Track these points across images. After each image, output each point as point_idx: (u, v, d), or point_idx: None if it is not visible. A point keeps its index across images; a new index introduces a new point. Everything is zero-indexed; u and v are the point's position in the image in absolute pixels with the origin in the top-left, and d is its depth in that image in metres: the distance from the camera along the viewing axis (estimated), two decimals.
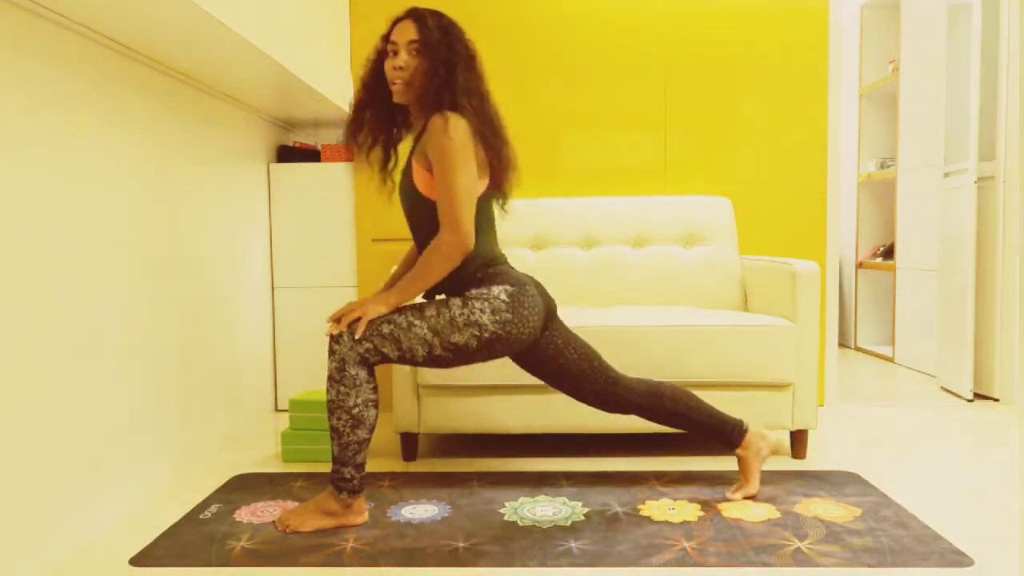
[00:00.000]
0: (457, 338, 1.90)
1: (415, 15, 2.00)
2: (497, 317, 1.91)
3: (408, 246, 3.20)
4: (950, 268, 3.51)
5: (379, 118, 2.09)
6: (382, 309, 1.90)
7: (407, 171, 2.01)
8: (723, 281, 2.91)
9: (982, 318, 3.41)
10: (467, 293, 1.94)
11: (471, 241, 1.90)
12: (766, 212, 3.19)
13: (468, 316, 1.90)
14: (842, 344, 5.00)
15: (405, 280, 1.92)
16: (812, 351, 2.46)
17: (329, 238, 3.24)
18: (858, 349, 4.78)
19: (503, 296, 1.93)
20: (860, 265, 4.78)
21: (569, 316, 2.51)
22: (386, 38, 2.04)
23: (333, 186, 3.23)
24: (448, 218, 1.89)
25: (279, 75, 2.48)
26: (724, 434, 2.13)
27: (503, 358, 2.22)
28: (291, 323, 3.25)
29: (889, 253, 4.62)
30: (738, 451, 2.14)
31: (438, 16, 2.01)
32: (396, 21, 2.03)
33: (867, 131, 4.77)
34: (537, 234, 3.01)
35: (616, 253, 2.98)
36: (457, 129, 1.88)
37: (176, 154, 2.36)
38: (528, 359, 2.09)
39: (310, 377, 3.25)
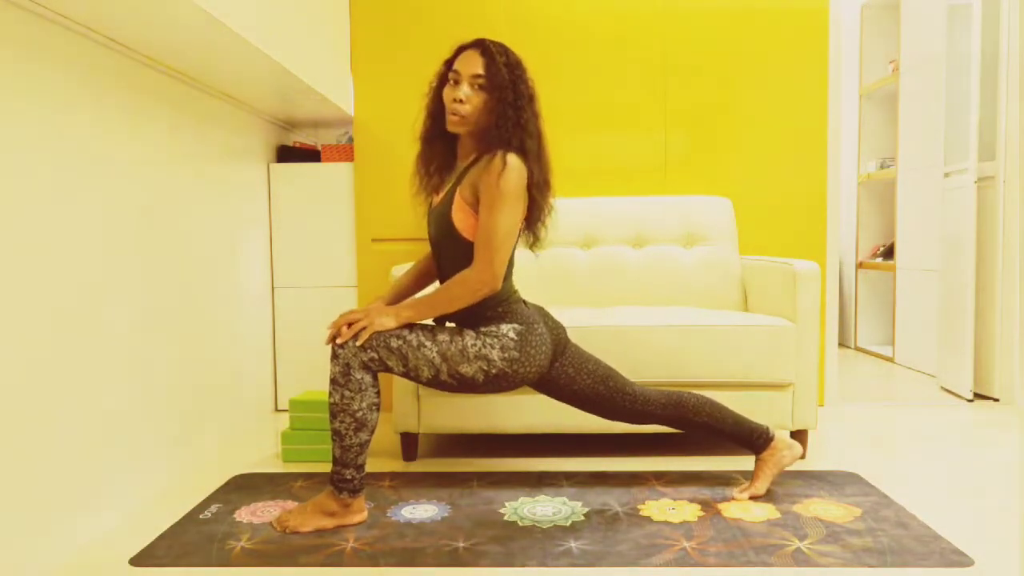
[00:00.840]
0: (465, 369, 1.90)
1: (483, 48, 1.96)
2: (505, 355, 1.92)
3: (408, 248, 3.20)
4: (950, 268, 3.50)
5: (444, 147, 2.06)
6: (390, 323, 1.89)
7: (447, 201, 1.98)
8: (723, 281, 2.91)
9: (982, 318, 3.41)
10: (480, 328, 1.94)
11: (499, 283, 1.91)
12: (766, 212, 3.19)
13: (479, 349, 1.91)
14: (842, 344, 5.00)
15: (422, 301, 1.92)
16: (812, 351, 2.46)
17: (329, 238, 3.24)
18: (858, 349, 4.78)
19: (512, 335, 1.94)
20: (860, 265, 4.78)
21: (569, 316, 2.50)
22: (448, 63, 2.00)
23: (333, 186, 3.23)
24: (484, 258, 1.89)
25: (279, 75, 2.48)
26: (750, 441, 2.14)
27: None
28: (291, 323, 3.25)
29: (889, 253, 4.62)
30: (762, 455, 2.15)
31: (506, 52, 1.97)
32: (461, 49, 2.00)
33: (867, 131, 4.77)
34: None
35: (616, 253, 2.98)
36: (514, 174, 1.88)
37: (176, 154, 2.36)
38: (543, 388, 2.12)
39: (310, 377, 3.25)
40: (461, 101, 1.93)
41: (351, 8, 3.20)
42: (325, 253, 3.24)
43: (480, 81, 1.94)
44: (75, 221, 1.84)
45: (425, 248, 3.21)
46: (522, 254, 2.99)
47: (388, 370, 1.90)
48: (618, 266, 2.95)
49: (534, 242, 2.07)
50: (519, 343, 1.93)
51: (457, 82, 1.96)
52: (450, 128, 1.97)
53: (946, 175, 3.58)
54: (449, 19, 3.18)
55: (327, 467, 2.44)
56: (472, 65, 1.95)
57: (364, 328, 1.87)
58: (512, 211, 1.90)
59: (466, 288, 1.89)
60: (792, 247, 3.19)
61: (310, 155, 3.31)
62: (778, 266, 2.60)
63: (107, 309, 1.97)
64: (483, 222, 1.90)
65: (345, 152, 3.28)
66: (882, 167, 4.63)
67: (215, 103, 2.67)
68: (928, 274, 4.03)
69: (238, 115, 2.88)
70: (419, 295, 2.00)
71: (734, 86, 3.19)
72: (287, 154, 3.29)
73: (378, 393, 1.91)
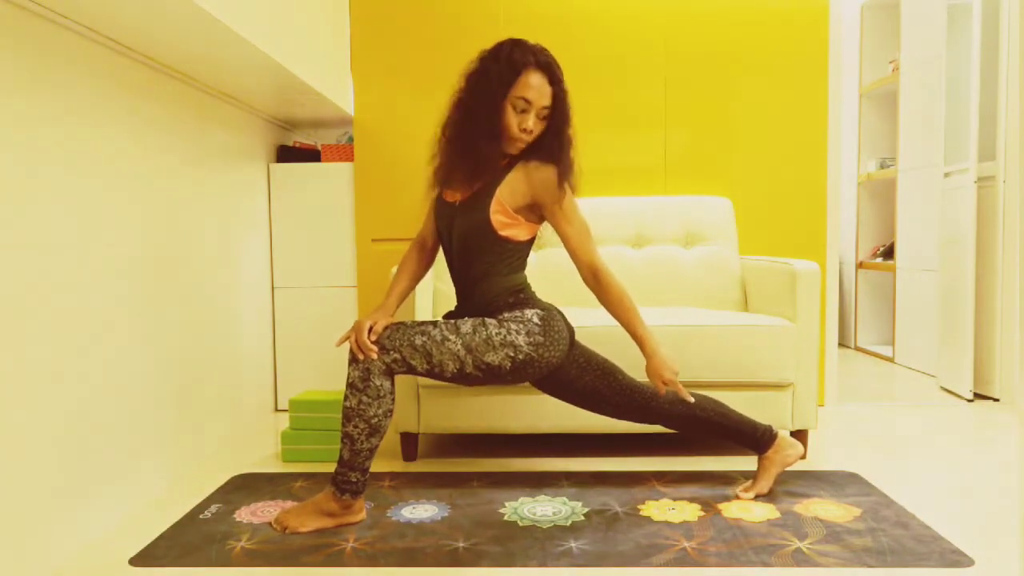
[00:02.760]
0: (492, 358, 1.91)
1: (551, 75, 1.93)
2: (531, 339, 1.93)
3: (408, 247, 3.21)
4: (950, 268, 3.50)
5: (478, 153, 1.97)
6: (672, 356, 2.00)
7: (482, 201, 1.97)
8: (723, 281, 2.91)
9: (982, 318, 3.41)
10: (501, 316, 1.96)
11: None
12: (766, 212, 3.19)
13: (504, 336, 1.92)
14: (842, 344, 5.00)
15: (640, 320, 1.99)
16: (812, 351, 2.46)
17: (329, 238, 3.24)
18: (858, 349, 4.78)
19: (535, 319, 1.96)
20: (860, 265, 4.78)
21: (570, 316, 2.50)
22: (509, 82, 1.90)
23: (333, 186, 3.23)
24: (602, 263, 1.99)
25: (279, 75, 2.48)
26: (754, 440, 2.13)
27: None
28: (291, 323, 3.25)
29: (889, 253, 4.62)
30: (766, 454, 2.15)
31: (560, 69, 1.97)
32: (526, 66, 1.91)
33: (867, 131, 4.77)
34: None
35: (616, 253, 2.98)
36: (566, 185, 1.98)
37: (176, 154, 2.36)
38: (552, 383, 2.11)
39: (310, 377, 3.25)
40: (529, 132, 1.94)
41: (351, 8, 3.20)
42: (325, 253, 3.24)
43: (546, 112, 1.96)
44: (74, 221, 1.84)
45: None
46: None
47: (412, 370, 1.90)
48: (618, 266, 2.95)
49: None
50: (543, 327, 1.95)
51: (526, 111, 1.93)
52: (510, 150, 1.99)
53: (946, 175, 3.58)
54: (449, 19, 3.18)
55: (327, 467, 2.44)
56: (542, 96, 1.93)
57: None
58: (579, 210, 2.00)
59: (615, 282, 1.97)
60: (792, 247, 3.19)
61: (310, 155, 3.31)
62: (778, 266, 2.60)
63: (107, 309, 1.97)
64: (575, 237, 1.98)
65: (345, 152, 3.28)
66: (882, 167, 4.63)
67: (215, 103, 2.67)
68: (928, 274, 4.03)
69: (238, 115, 2.88)
70: (622, 320, 2.01)
71: (734, 86, 3.19)
72: (287, 154, 3.29)
73: (393, 400, 1.91)
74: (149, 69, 2.20)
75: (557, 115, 1.96)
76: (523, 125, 1.93)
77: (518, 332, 1.93)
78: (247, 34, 2.05)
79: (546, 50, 1.99)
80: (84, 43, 1.89)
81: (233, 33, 1.98)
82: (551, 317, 1.99)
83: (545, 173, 1.95)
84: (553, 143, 1.97)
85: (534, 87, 1.92)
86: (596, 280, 1.97)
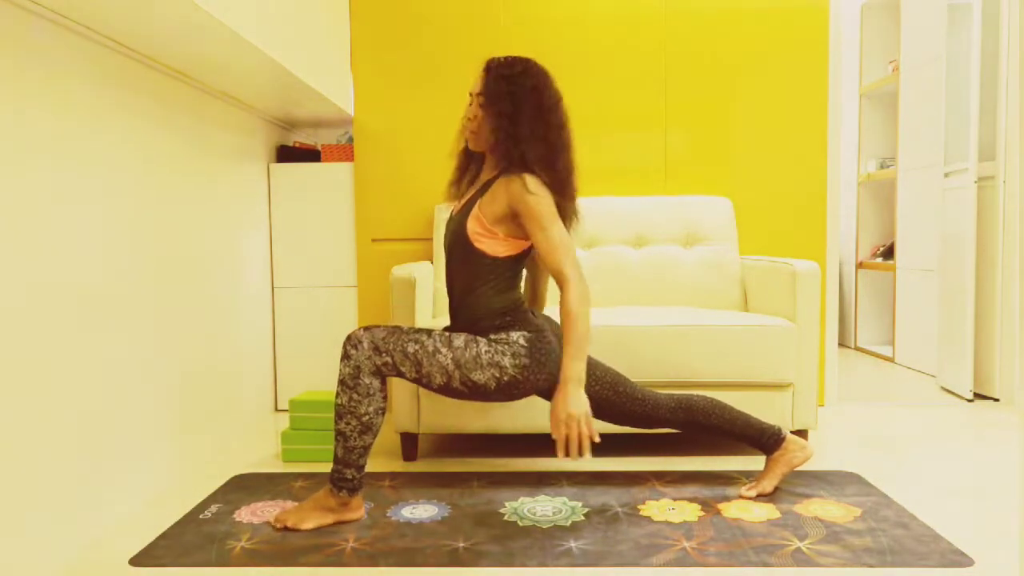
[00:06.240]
0: (478, 376, 1.92)
1: (486, 66, 2.02)
2: (517, 362, 1.93)
3: (408, 247, 3.20)
4: (950, 268, 3.50)
5: (473, 160, 2.12)
6: (585, 399, 1.81)
7: (466, 210, 2.01)
8: (723, 281, 2.92)
9: (982, 318, 3.41)
10: (490, 336, 1.96)
11: (585, 282, 1.88)
12: (766, 212, 3.19)
13: (492, 356, 1.92)
14: (842, 344, 5.00)
15: (572, 349, 1.82)
16: (812, 351, 2.46)
17: (329, 238, 3.24)
18: (858, 349, 4.78)
19: (522, 342, 1.95)
20: (860, 265, 4.78)
21: None
22: None
23: (333, 186, 3.23)
24: (567, 270, 1.86)
25: (279, 75, 2.48)
26: (760, 442, 2.14)
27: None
28: (291, 323, 3.25)
29: (889, 253, 4.62)
30: (773, 455, 2.15)
31: (509, 65, 1.99)
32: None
33: (867, 131, 4.77)
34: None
35: (616, 253, 2.98)
36: (538, 188, 1.90)
37: (176, 154, 2.36)
38: (552, 396, 2.10)
39: (310, 377, 3.25)
40: (468, 119, 2.02)
41: (351, 8, 3.20)
42: (325, 253, 3.24)
43: (480, 99, 1.99)
44: (75, 221, 1.84)
45: (428, 248, 3.21)
46: None
47: (400, 375, 1.92)
48: (618, 266, 2.95)
49: None
50: (530, 350, 1.94)
51: (470, 103, 2.04)
52: (470, 146, 2.06)
53: (946, 175, 3.58)
54: (449, 19, 3.18)
55: (327, 467, 2.44)
56: (475, 84, 2.03)
57: (586, 435, 1.79)
58: (557, 220, 1.91)
59: (581, 305, 1.84)
60: (792, 247, 3.19)
61: (310, 155, 3.31)
62: (778, 266, 2.60)
63: (107, 309, 1.97)
64: (543, 244, 1.89)
65: (345, 152, 3.28)
66: (882, 167, 4.63)
67: (215, 103, 2.67)
68: (928, 274, 4.03)
69: (238, 115, 2.88)
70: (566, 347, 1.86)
71: (734, 86, 3.19)
72: (287, 154, 3.29)
73: (385, 398, 1.92)
74: (149, 69, 2.20)
75: (495, 104, 1.95)
76: (466, 114, 2.04)
77: (503, 354, 1.93)
78: (247, 34, 2.05)
79: (511, 58, 2.01)
80: (83, 43, 1.89)
81: (233, 33, 1.98)
82: (540, 339, 1.96)
83: (517, 180, 1.92)
84: (504, 143, 1.94)
85: (473, 81, 2.07)
86: (560, 287, 1.88)
